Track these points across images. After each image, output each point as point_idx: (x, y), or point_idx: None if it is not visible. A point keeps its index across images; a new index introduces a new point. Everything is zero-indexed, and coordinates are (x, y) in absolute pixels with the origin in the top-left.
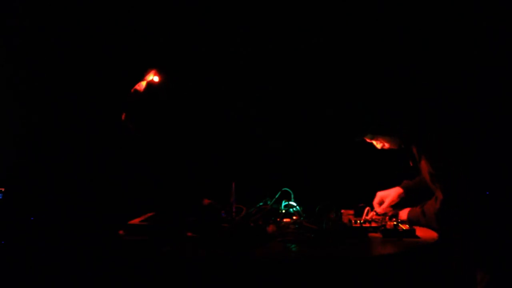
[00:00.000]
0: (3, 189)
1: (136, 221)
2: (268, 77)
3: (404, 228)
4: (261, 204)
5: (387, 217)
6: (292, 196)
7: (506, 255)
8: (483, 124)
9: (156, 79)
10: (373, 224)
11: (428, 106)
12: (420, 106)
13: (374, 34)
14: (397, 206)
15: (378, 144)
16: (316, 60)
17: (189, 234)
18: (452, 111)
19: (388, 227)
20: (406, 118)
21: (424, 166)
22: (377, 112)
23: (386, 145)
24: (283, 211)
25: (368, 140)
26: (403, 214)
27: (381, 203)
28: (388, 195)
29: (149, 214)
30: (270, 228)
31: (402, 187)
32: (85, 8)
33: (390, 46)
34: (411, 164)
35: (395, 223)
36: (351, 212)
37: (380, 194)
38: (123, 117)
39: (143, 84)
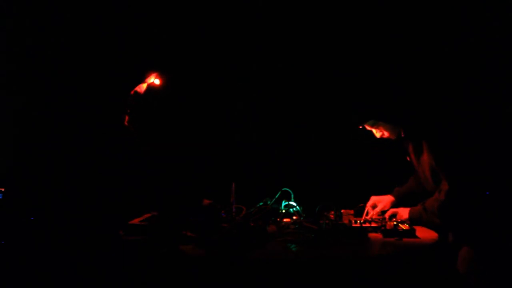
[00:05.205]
0: (3, 189)
1: (136, 221)
2: (268, 76)
3: (404, 228)
4: (261, 204)
5: (387, 217)
6: (292, 196)
7: (504, 254)
8: (486, 119)
9: (157, 82)
10: (373, 224)
11: (432, 97)
12: (423, 96)
13: (374, 26)
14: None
15: (377, 133)
16: (318, 60)
17: (189, 234)
18: (457, 104)
19: (388, 227)
20: (411, 107)
21: (425, 159)
22: (381, 99)
23: (386, 134)
24: (283, 211)
25: (368, 128)
26: (404, 213)
27: (373, 206)
28: (381, 201)
29: (149, 214)
30: (270, 228)
31: (394, 196)
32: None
33: (394, 39)
34: (408, 159)
35: (395, 223)
36: (351, 212)
37: (374, 198)
38: (125, 119)
39: (143, 86)
